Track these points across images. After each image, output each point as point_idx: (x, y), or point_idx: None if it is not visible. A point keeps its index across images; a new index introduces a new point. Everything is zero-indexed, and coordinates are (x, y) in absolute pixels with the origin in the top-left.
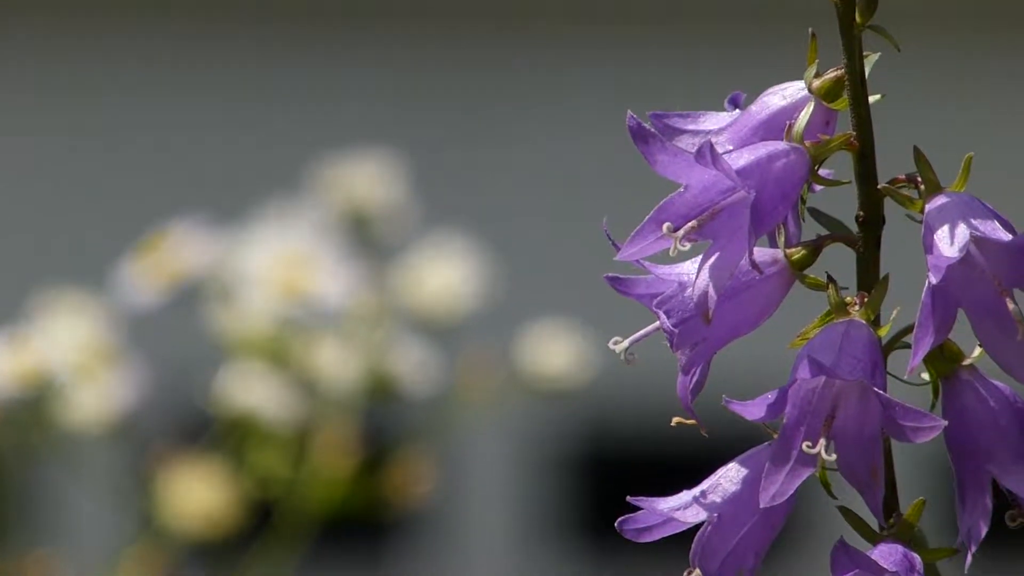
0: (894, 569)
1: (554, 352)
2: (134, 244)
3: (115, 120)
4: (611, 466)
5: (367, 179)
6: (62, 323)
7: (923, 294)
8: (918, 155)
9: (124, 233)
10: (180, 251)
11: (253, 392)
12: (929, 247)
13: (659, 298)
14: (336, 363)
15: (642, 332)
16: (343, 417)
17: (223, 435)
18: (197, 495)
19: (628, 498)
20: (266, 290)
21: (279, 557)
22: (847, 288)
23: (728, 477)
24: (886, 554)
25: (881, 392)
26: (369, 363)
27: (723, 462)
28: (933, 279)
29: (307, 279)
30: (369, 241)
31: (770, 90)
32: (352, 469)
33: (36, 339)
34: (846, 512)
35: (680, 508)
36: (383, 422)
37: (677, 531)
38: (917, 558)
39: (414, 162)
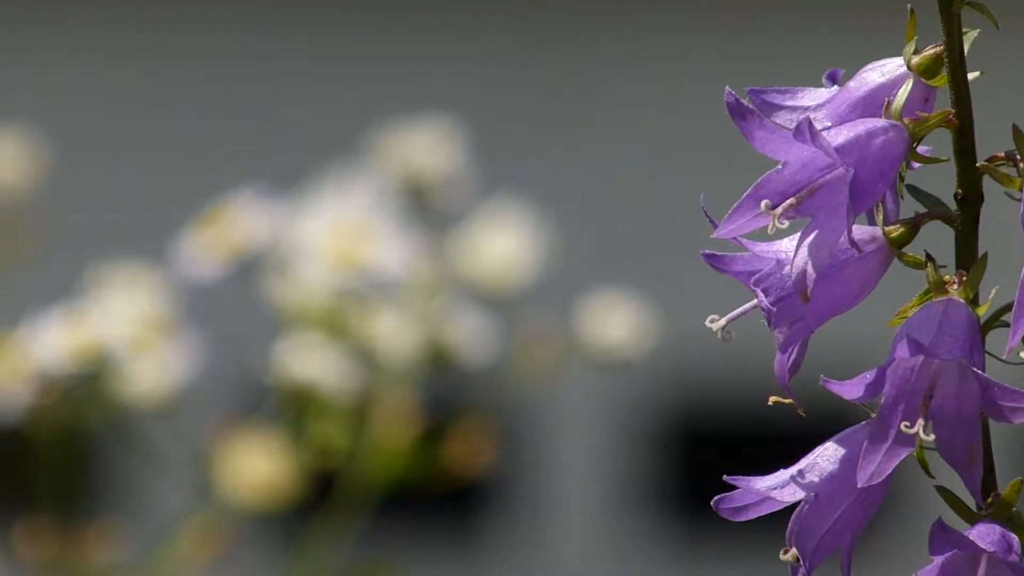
0: (992, 549)
1: (614, 322)
2: (193, 216)
3: (174, 90)
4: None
5: (426, 147)
6: (119, 297)
7: (1022, 273)
8: (1017, 133)
9: (183, 205)
10: (239, 223)
11: (312, 363)
12: None
13: (757, 276)
14: (394, 333)
15: (740, 310)
16: (402, 388)
17: (282, 407)
18: (257, 467)
19: (724, 477)
20: (323, 261)
21: (340, 529)
22: (945, 266)
23: (825, 456)
24: (984, 534)
25: (980, 372)
26: (427, 333)
27: (819, 441)
28: None
29: (364, 249)
30: (428, 209)
31: (869, 66)
32: (412, 440)
33: (93, 314)
34: (944, 492)
35: (777, 487)
36: (443, 393)
37: (773, 510)
38: (1015, 538)
39: (474, 129)
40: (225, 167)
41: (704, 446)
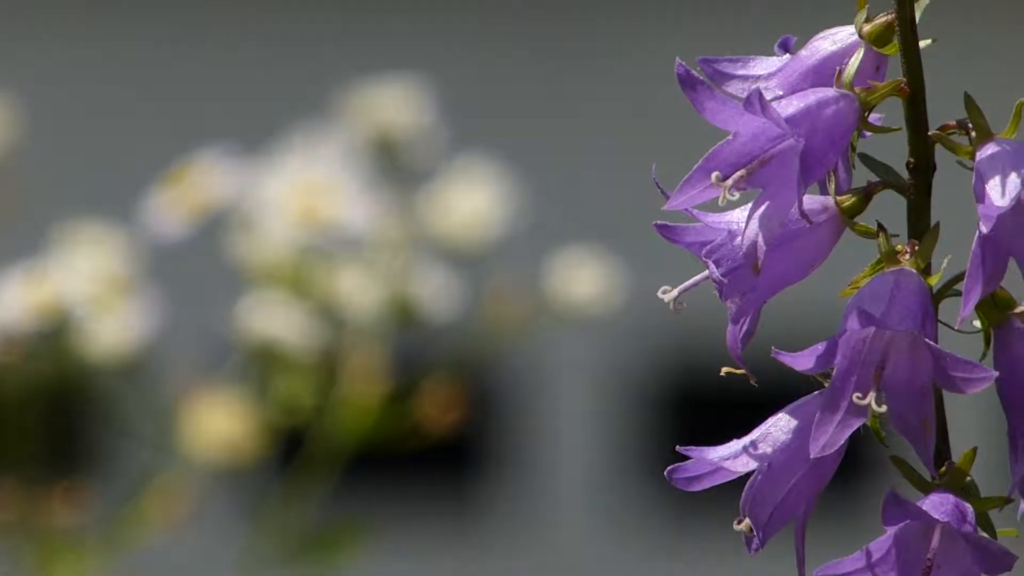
0: (945, 519)
1: (582, 278)
2: (159, 176)
3: (141, 51)
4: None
5: (394, 105)
6: (82, 255)
7: (973, 243)
8: (969, 101)
9: (149, 164)
10: (204, 182)
11: (276, 320)
12: (980, 196)
13: (708, 247)
14: (359, 289)
15: (691, 281)
16: (369, 345)
17: (247, 364)
18: (222, 425)
19: (677, 447)
20: (286, 217)
21: (310, 488)
22: (898, 236)
23: (779, 427)
24: (938, 504)
25: (932, 343)
26: (393, 289)
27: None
28: (983, 228)
29: (328, 205)
30: (396, 168)
31: (820, 35)
32: (382, 398)
33: (55, 272)
34: (897, 461)
35: (730, 457)
36: (413, 351)
37: (726, 480)
38: (969, 507)
39: (442, 88)
40: (193, 130)
41: (701, 410)
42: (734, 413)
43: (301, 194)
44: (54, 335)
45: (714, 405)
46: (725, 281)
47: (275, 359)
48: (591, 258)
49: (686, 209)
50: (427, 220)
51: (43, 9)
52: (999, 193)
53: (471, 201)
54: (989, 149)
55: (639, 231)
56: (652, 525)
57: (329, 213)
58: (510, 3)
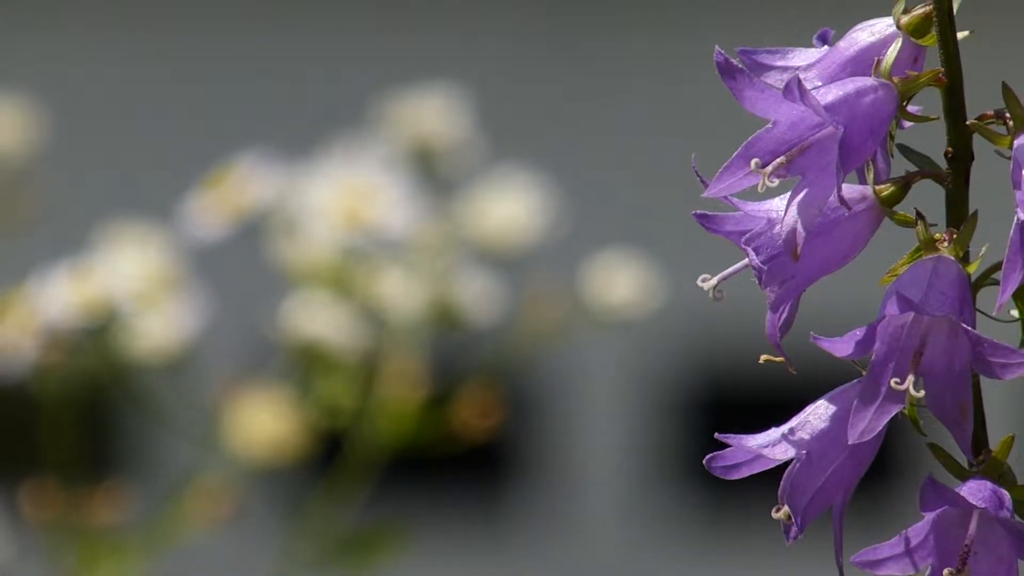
0: (983, 505)
1: (619, 283)
2: (200, 179)
3: (183, 53)
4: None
5: (434, 114)
6: (126, 253)
7: (1011, 230)
8: (1006, 91)
9: (191, 168)
10: (245, 185)
11: (318, 321)
12: (1017, 183)
13: (748, 235)
14: (400, 292)
15: (731, 269)
16: (409, 348)
17: (289, 365)
18: (264, 425)
19: (716, 435)
20: (329, 220)
21: (349, 490)
22: (936, 225)
23: (817, 414)
24: (975, 490)
25: (969, 328)
26: (433, 292)
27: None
28: (1022, 215)
29: (370, 208)
30: (435, 175)
31: (858, 26)
32: (420, 401)
33: (100, 269)
34: (935, 448)
35: (769, 445)
36: (451, 355)
37: (765, 468)
38: (1006, 494)
39: (481, 97)
40: (236, 132)
41: (731, 414)
42: (766, 415)
43: (344, 197)
44: (99, 332)
45: (747, 408)
46: (765, 268)
47: (317, 360)
48: (627, 262)
49: (725, 198)
50: (466, 225)
51: (84, 8)
52: None
53: (509, 207)
54: None
55: (675, 234)
56: (684, 528)
57: (371, 216)
58: (547, 6)
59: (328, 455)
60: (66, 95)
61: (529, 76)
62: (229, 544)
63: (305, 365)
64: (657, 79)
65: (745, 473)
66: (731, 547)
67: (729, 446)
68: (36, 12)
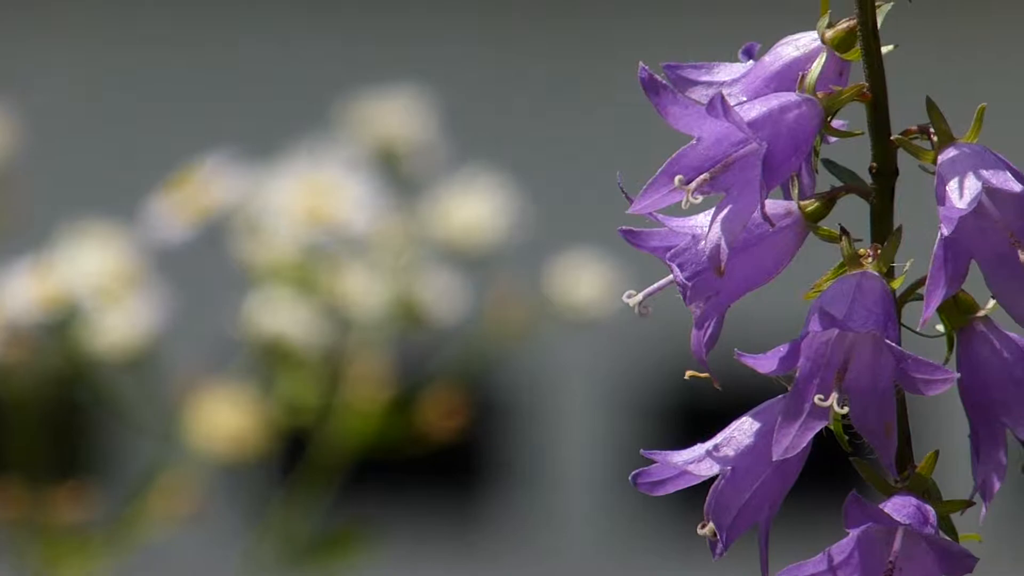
0: (907, 521)
1: (584, 282)
2: (165, 178)
3: (148, 53)
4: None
5: (398, 114)
6: (88, 250)
7: (935, 246)
8: (930, 106)
9: (155, 167)
10: (209, 184)
11: (281, 319)
12: (941, 199)
13: (672, 251)
14: (364, 290)
15: (656, 285)
16: (374, 347)
17: (252, 362)
18: (226, 422)
19: (642, 451)
20: (291, 217)
21: (314, 490)
22: (861, 240)
23: (742, 430)
24: (900, 506)
25: (893, 344)
26: (397, 290)
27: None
28: (945, 231)
29: (332, 206)
30: (400, 176)
31: (783, 40)
32: (385, 401)
33: (62, 265)
34: (860, 464)
35: (693, 461)
36: (417, 356)
37: (691, 484)
38: (931, 510)
39: (446, 98)
40: (197, 136)
41: (703, 417)
42: (737, 417)
43: (306, 194)
44: (60, 329)
45: (719, 411)
46: (689, 285)
47: (280, 357)
48: (593, 262)
49: (650, 214)
50: (430, 225)
51: (48, 14)
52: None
53: (473, 207)
54: (950, 153)
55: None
56: (655, 531)
57: (334, 213)
58: (511, 9)
59: (293, 456)
60: (29, 95)
61: (494, 76)
62: (194, 544)
63: (268, 363)
64: (622, 79)
65: (671, 489)
66: (703, 552)
67: (655, 462)
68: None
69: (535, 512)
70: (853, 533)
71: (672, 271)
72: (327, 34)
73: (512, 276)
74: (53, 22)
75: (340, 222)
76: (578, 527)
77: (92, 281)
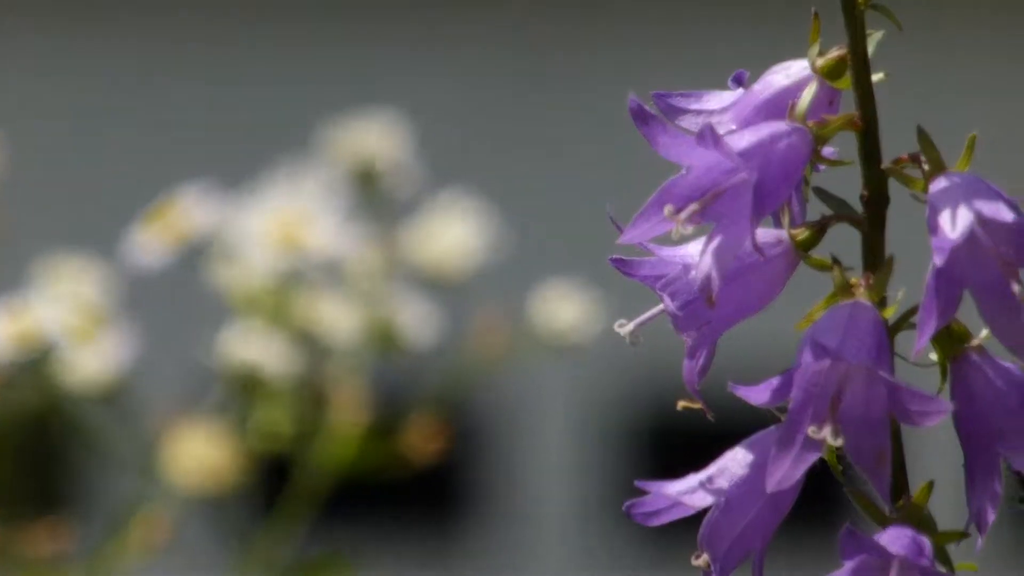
0: (903, 553)
1: (564, 309)
2: (139, 207)
3: (121, 80)
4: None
5: (375, 140)
6: (61, 286)
7: (927, 276)
8: (922, 134)
9: (128, 201)
10: (185, 215)
11: (256, 348)
12: (933, 228)
13: (663, 280)
14: (340, 317)
15: (648, 314)
16: (351, 375)
17: (229, 393)
18: (202, 453)
19: (636, 482)
20: (266, 245)
21: (294, 519)
22: (852, 269)
23: (735, 461)
24: (895, 538)
25: (887, 375)
26: (374, 317)
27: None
28: (937, 261)
29: (307, 232)
30: (378, 201)
31: (773, 68)
32: (363, 428)
33: (34, 302)
34: (855, 495)
35: (688, 492)
36: (396, 381)
37: (685, 515)
38: (926, 541)
39: (422, 121)
40: (173, 165)
41: (681, 443)
42: (715, 444)
43: (281, 222)
44: (33, 365)
45: (698, 437)
46: (680, 314)
47: (256, 387)
48: (573, 288)
49: (640, 243)
50: (408, 250)
51: (24, 43)
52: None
53: (452, 232)
54: (942, 182)
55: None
56: (633, 557)
57: (309, 240)
58: (489, 37)
59: (272, 484)
60: (4, 127)
61: (473, 101)
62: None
63: (244, 392)
64: (604, 104)
65: (665, 520)
66: None
67: (649, 493)
68: None
69: (514, 538)
70: (848, 564)
71: (663, 300)
72: (304, 57)
73: (491, 302)
74: (25, 46)
75: (314, 249)
76: (557, 553)
77: (65, 317)
